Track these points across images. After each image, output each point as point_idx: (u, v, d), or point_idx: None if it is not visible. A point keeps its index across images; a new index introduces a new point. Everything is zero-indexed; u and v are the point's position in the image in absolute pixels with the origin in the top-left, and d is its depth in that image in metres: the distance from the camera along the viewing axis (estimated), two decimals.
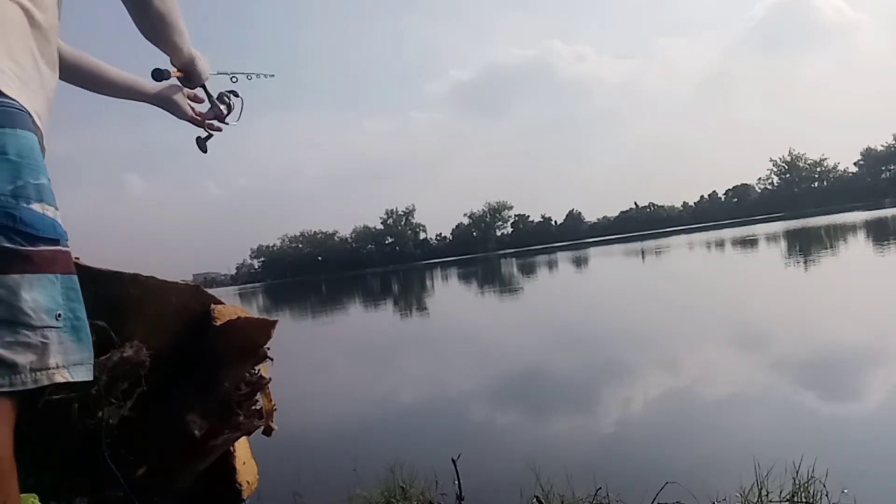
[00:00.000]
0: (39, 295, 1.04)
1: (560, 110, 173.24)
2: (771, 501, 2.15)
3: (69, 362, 1.07)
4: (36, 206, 1.07)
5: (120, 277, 1.64)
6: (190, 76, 1.63)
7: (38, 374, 1.03)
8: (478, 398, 4.89)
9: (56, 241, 1.07)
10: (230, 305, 1.87)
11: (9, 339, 1.00)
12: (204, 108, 1.70)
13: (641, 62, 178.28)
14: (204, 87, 1.71)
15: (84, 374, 1.09)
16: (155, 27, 1.42)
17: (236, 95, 1.79)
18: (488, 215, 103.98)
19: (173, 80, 1.63)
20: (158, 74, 1.56)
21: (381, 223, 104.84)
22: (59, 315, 1.04)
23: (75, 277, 1.08)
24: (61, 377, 1.05)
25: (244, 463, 1.87)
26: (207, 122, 1.72)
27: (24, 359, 1.01)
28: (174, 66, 1.59)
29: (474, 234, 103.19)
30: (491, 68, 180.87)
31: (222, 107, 1.73)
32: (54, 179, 1.22)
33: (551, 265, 27.79)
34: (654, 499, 2.22)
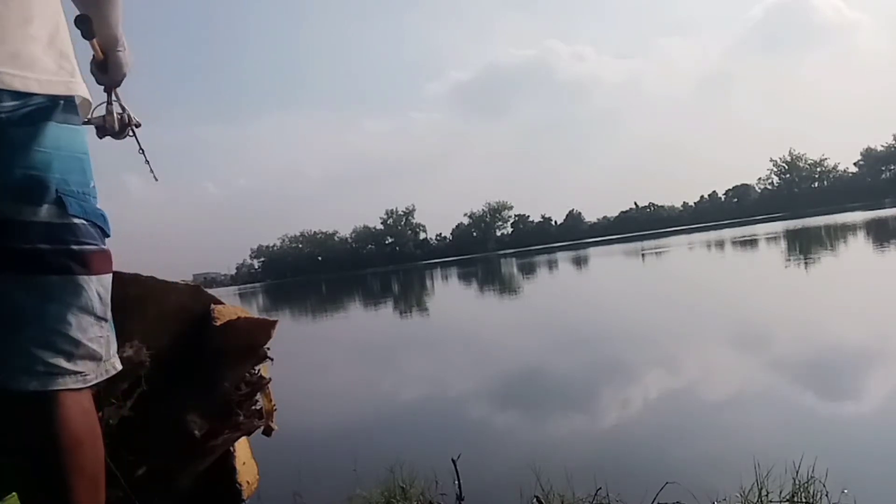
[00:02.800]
0: (107, 291, 1.17)
1: (560, 110, 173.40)
2: (771, 501, 2.15)
3: (115, 352, 1.20)
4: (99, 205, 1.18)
5: (120, 277, 1.64)
6: (108, 63, 1.43)
7: (107, 364, 1.17)
8: (478, 398, 4.89)
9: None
10: (230, 305, 1.87)
11: (98, 334, 1.14)
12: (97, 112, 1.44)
13: (641, 62, 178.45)
14: (112, 89, 1.47)
15: (119, 364, 1.21)
16: None
17: (137, 126, 1.53)
18: (488, 215, 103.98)
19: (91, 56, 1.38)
20: (85, 25, 1.27)
21: (381, 223, 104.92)
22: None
23: None
24: (114, 368, 1.19)
25: (244, 463, 1.88)
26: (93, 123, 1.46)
27: (103, 351, 1.15)
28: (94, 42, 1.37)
29: (474, 234, 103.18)
30: (491, 68, 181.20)
31: (116, 122, 1.47)
32: None
33: (551, 265, 27.78)
34: (654, 499, 2.22)
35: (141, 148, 1.60)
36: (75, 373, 1.09)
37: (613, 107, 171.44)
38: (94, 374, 1.13)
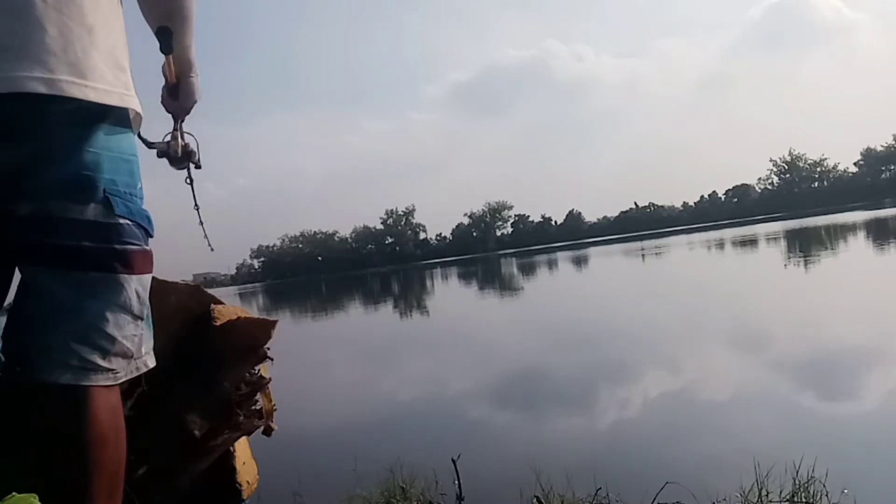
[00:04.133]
0: (146, 290, 1.21)
1: (560, 110, 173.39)
2: (771, 501, 2.15)
3: (149, 349, 1.24)
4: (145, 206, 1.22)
5: None
6: (180, 87, 1.45)
7: (138, 361, 1.21)
8: (478, 398, 4.89)
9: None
10: (230, 305, 1.87)
11: (133, 332, 1.17)
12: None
13: (641, 62, 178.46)
14: (181, 117, 1.48)
15: (153, 360, 1.25)
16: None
17: (197, 167, 1.52)
18: (488, 215, 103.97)
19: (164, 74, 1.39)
20: (166, 36, 1.31)
21: (381, 223, 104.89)
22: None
23: None
24: (145, 365, 1.23)
25: (244, 463, 1.87)
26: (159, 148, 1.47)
27: (135, 349, 1.18)
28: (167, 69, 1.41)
29: (474, 234, 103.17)
30: (490, 68, 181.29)
31: (180, 150, 1.46)
32: None
33: (551, 265, 27.78)
34: (654, 499, 2.22)
35: (194, 195, 1.63)
36: (108, 370, 1.12)
37: (613, 107, 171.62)
38: (124, 371, 1.16)
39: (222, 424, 1.74)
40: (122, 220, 1.13)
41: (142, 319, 1.20)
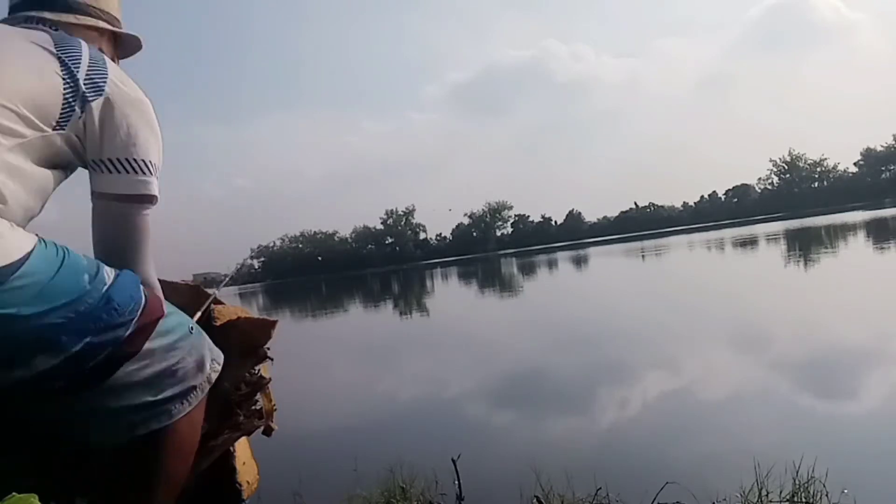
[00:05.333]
0: (165, 327, 1.28)
1: (560, 110, 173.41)
2: (771, 501, 2.15)
3: (209, 354, 1.38)
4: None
5: None
6: None
7: (208, 374, 1.37)
8: (478, 398, 4.89)
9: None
10: (230, 305, 1.86)
11: (177, 365, 1.29)
12: None
13: (641, 62, 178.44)
14: None
15: (219, 362, 1.41)
16: None
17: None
18: (488, 215, 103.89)
19: None
20: None
21: (381, 223, 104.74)
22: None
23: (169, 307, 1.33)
24: (214, 371, 1.38)
25: (244, 463, 1.87)
26: None
27: (191, 369, 1.33)
28: None
29: (474, 234, 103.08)
30: (490, 68, 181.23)
31: None
32: None
33: (551, 265, 27.78)
34: (654, 499, 2.22)
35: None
36: (183, 401, 1.30)
37: (613, 107, 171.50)
38: (199, 387, 1.32)
39: (222, 424, 1.74)
40: (88, 340, 1.11)
41: (175, 348, 1.28)
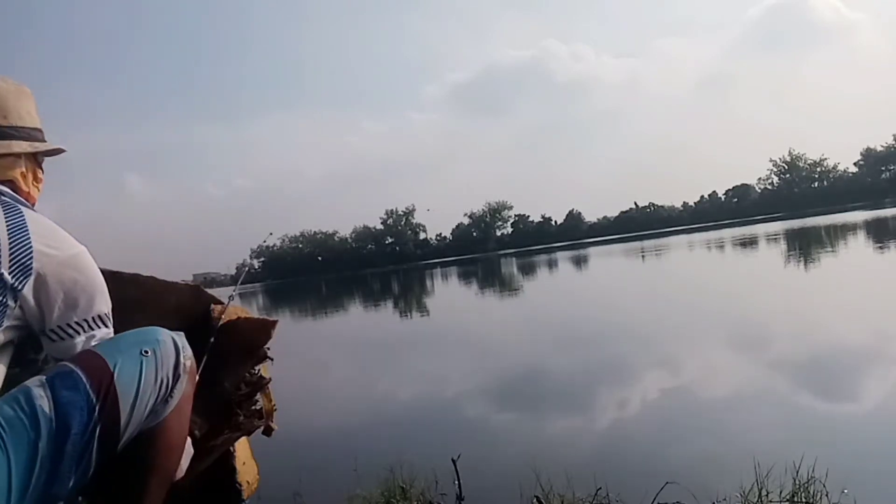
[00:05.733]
0: (117, 339, 1.30)
1: (560, 110, 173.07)
2: (771, 501, 2.15)
3: (179, 351, 1.35)
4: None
5: (120, 277, 1.64)
6: None
7: (180, 366, 1.33)
8: (478, 398, 4.89)
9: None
10: (230, 306, 1.86)
11: (156, 375, 1.28)
12: None
13: (641, 62, 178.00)
14: None
15: (190, 352, 1.38)
16: None
17: None
18: (488, 215, 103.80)
19: None
20: None
21: (381, 223, 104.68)
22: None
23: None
24: (189, 360, 1.37)
25: (244, 463, 1.87)
26: None
27: (169, 367, 1.31)
28: None
29: (474, 234, 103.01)
30: (489, 68, 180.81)
31: None
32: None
33: (551, 265, 27.78)
34: (654, 499, 2.22)
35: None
36: (168, 399, 1.29)
37: (613, 107, 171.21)
38: (180, 380, 1.30)
39: (222, 424, 1.74)
40: (71, 463, 1.13)
41: (143, 370, 1.25)
